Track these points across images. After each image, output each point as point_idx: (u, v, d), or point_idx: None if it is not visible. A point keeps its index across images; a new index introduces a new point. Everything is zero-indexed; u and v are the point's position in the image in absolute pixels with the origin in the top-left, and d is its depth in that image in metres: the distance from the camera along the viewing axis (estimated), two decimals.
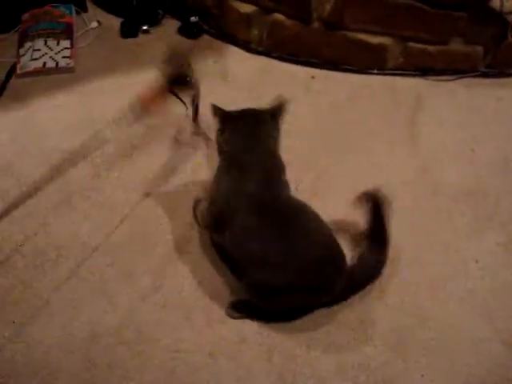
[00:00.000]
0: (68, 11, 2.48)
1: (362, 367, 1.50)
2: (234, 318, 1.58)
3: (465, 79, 2.32)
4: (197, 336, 1.55)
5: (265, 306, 1.55)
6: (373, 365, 1.50)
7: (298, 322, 1.57)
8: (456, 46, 2.26)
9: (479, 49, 2.27)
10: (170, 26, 2.51)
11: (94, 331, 1.55)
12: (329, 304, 1.58)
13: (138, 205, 1.84)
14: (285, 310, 1.56)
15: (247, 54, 2.42)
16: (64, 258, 1.70)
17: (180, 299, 1.61)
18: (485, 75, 2.33)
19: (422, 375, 1.49)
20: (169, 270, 1.68)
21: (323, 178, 1.92)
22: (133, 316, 1.58)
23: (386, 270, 1.66)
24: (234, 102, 2.13)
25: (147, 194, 1.83)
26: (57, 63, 2.29)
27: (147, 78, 2.24)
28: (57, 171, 1.92)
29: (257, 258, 1.46)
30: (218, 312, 1.59)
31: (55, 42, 2.36)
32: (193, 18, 2.45)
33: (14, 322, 1.56)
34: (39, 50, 2.33)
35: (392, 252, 1.71)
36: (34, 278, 1.66)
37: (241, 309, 1.58)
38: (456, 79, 2.32)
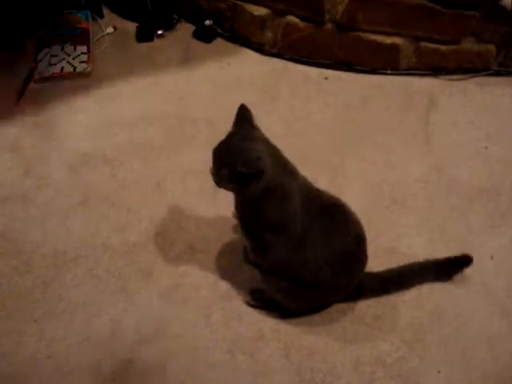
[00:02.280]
0: (84, 17, 2.52)
1: (378, 363, 1.52)
2: (251, 306, 1.61)
3: (477, 78, 2.33)
4: (215, 333, 1.57)
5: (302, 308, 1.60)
6: (389, 361, 1.52)
7: (314, 319, 1.59)
8: (468, 45, 2.27)
9: (491, 47, 2.27)
10: (185, 29, 2.54)
11: (115, 329, 1.58)
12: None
13: (155, 205, 1.86)
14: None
15: (261, 57, 2.43)
16: (83, 258, 1.73)
17: (198, 297, 1.64)
18: (497, 74, 2.33)
19: (439, 371, 1.51)
20: (187, 268, 1.70)
21: (338, 176, 1.94)
22: (152, 314, 1.61)
23: None
24: (250, 104, 2.17)
25: None
26: (74, 68, 2.33)
27: (163, 81, 2.30)
28: (76, 173, 1.96)
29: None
30: (236, 309, 1.61)
31: (72, 47, 2.40)
32: (207, 22, 2.47)
33: (35, 321, 1.59)
34: (57, 55, 2.36)
35: (406, 249, 1.74)
36: (54, 277, 1.69)
37: (259, 298, 1.61)
38: (469, 78, 2.33)
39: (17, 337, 1.56)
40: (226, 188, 1.40)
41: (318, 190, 1.52)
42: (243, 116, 1.43)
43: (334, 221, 1.46)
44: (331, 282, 1.48)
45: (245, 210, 1.48)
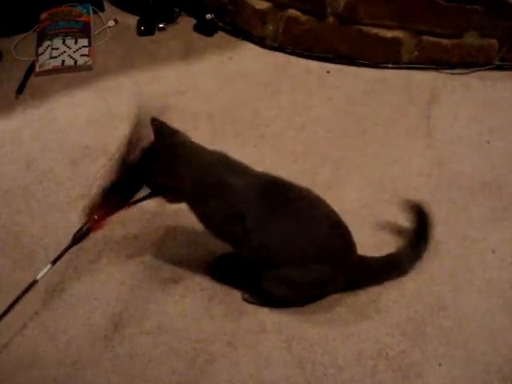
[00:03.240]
0: (85, 10, 2.51)
1: (380, 356, 1.51)
2: (250, 302, 1.61)
3: (480, 72, 2.32)
4: (216, 326, 1.57)
5: (292, 297, 1.59)
6: (391, 354, 1.52)
7: (316, 312, 1.59)
8: (471, 39, 2.27)
9: (494, 42, 2.27)
10: (186, 23, 2.53)
11: (116, 322, 1.57)
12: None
13: (155, 199, 1.86)
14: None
15: (262, 50, 2.43)
16: (85, 250, 1.73)
17: (200, 290, 1.64)
18: (500, 68, 2.33)
19: (440, 364, 1.50)
20: (188, 261, 1.70)
21: (339, 170, 1.94)
22: (154, 307, 1.61)
23: None
24: (252, 98, 2.17)
25: None
26: (75, 61, 2.32)
27: (164, 75, 2.30)
28: (77, 166, 1.95)
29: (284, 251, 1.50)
30: (237, 302, 1.61)
31: (73, 40, 2.39)
32: (208, 16, 2.47)
33: (36, 314, 1.59)
34: (58, 48, 2.36)
35: None
36: (55, 270, 1.67)
37: (257, 294, 1.61)
38: (471, 72, 2.32)
39: (18, 329, 1.55)
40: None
41: (283, 182, 1.54)
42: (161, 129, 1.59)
43: (303, 212, 1.49)
44: (320, 272, 1.51)
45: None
